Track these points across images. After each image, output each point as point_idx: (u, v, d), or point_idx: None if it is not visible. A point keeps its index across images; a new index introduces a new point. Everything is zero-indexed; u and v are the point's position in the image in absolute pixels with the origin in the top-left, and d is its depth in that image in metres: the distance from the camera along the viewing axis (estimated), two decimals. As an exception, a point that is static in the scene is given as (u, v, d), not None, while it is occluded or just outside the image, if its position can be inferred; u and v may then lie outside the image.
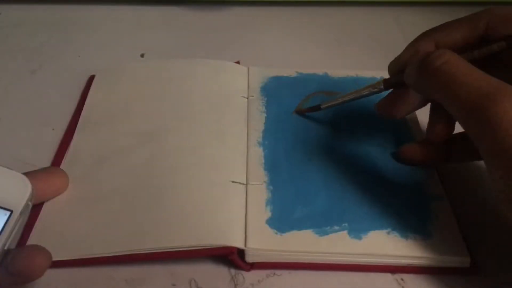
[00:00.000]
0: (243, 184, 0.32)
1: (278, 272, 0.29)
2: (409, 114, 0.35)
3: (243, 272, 0.29)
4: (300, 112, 0.39)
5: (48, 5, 0.54)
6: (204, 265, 0.29)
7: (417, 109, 0.34)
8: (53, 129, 0.38)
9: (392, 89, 0.32)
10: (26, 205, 0.25)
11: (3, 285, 0.24)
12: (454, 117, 0.25)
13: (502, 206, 0.23)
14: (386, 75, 0.42)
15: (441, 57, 0.25)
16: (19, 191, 0.24)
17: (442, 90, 0.24)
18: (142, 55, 0.47)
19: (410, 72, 0.27)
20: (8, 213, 0.24)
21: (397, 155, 0.34)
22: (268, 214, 0.30)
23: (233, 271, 0.29)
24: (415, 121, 0.38)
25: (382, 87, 0.32)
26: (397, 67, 0.31)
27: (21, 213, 0.24)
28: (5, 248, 0.24)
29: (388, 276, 0.29)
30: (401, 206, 0.31)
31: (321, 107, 0.37)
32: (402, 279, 0.29)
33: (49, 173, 0.31)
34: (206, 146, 0.35)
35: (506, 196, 0.22)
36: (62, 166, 0.34)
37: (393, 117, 0.33)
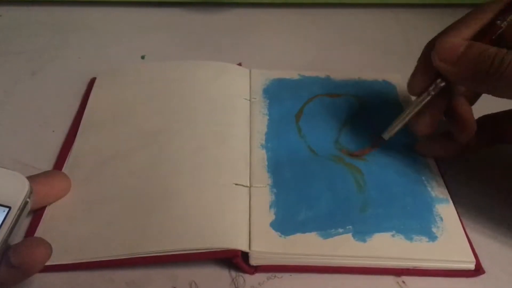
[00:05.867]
0: (247, 186, 0.32)
1: (278, 274, 0.29)
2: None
3: (244, 275, 0.29)
4: (365, 153, 0.35)
5: (49, 7, 0.54)
6: (204, 268, 0.29)
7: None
8: (53, 131, 0.38)
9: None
10: (24, 202, 0.25)
11: (5, 279, 0.24)
12: None
13: None
14: (387, 76, 0.43)
15: (507, 57, 0.26)
16: (17, 188, 0.25)
17: None
18: (142, 57, 0.47)
19: (465, 73, 0.28)
20: (6, 209, 0.24)
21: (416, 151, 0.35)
22: (272, 216, 0.30)
23: (233, 273, 0.29)
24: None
25: (431, 90, 0.31)
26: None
27: (19, 209, 0.25)
28: (6, 243, 0.24)
29: (389, 278, 0.29)
30: (406, 209, 0.31)
31: (385, 138, 0.34)
32: (403, 282, 0.28)
33: (50, 176, 0.31)
34: (208, 149, 0.35)
35: None
36: (64, 169, 0.34)
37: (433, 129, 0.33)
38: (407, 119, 0.33)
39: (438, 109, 0.32)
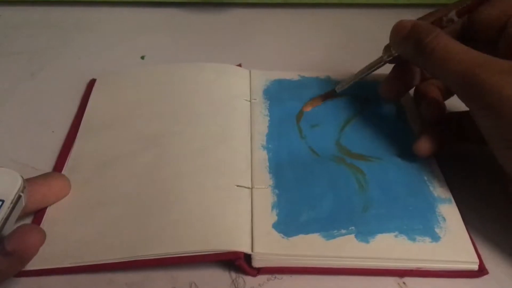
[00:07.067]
0: (248, 188, 0.32)
1: (279, 275, 0.29)
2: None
3: (244, 276, 0.29)
4: (315, 104, 0.39)
5: (49, 7, 0.54)
6: (204, 269, 0.29)
7: (413, 86, 0.38)
8: (52, 132, 0.38)
9: (391, 71, 0.37)
10: (18, 196, 0.26)
11: (1, 268, 0.25)
12: (449, 86, 0.30)
13: (495, 148, 0.29)
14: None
15: (435, 39, 0.30)
16: (10, 183, 0.26)
17: (439, 66, 0.29)
18: (142, 57, 0.47)
19: (407, 49, 0.32)
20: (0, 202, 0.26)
21: (414, 153, 0.34)
22: (274, 218, 0.30)
23: (233, 274, 0.29)
24: (416, 120, 0.38)
25: (385, 57, 0.35)
26: None
27: (12, 203, 0.26)
28: (0, 235, 0.25)
29: (390, 280, 0.29)
30: (408, 209, 0.31)
31: (337, 90, 0.39)
32: (404, 283, 0.28)
33: (48, 177, 0.31)
34: (209, 150, 0.34)
35: (496, 138, 0.28)
36: (64, 171, 0.34)
37: (396, 95, 0.38)
38: (359, 77, 0.37)
39: (398, 79, 0.36)
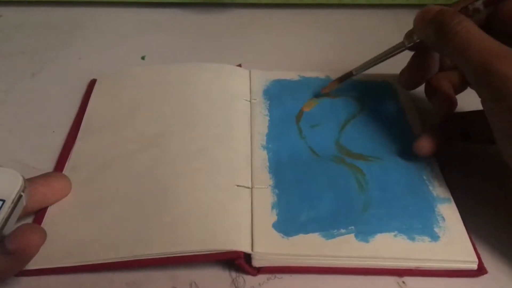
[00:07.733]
0: (248, 188, 0.32)
1: (279, 274, 0.29)
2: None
3: (244, 275, 0.29)
4: (331, 88, 0.39)
5: (49, 7, 0.54)
6: (204, 268, 0.29)
7: (432, 74, 0.37)
8: (53, 132, 0.38)
9: (411, 60, 0.36)
10: (18, 195, 0.26)
11: (2, 268, 0.25)
12: (465, 74, 0.30)
13: (502, 143, 0.29)
14: (386, 77, 0.43)
15: (459, 24, 0.29)
16: (10, 183, 0.26)
17: (458, 52, 0.29)
18: (143, 58, 0.47)
19: (431, 32, 0.31)
20: (0, 202, 0.26)
21: (414, 152, 0.34)
22: (274, 218, 0.30)
23: (233, 273, 0.29)
24: (415, 120, 0.38)
25: (407, 43, 0.35)
26: None
27: (13, 202, 0.26)
28: (1, 233, 0.25)
29: (389, 279, 0.29)
30: (408, 209, 0.31)
31: (354, 73, 0.38)
32: (403, 282, 0.28)
33: (48, 177, 0.31)
34: (210, 150, 0.35)
35: (505, 131, 0.28)
36: (65, 171, 0.34)
37: (415, 84, 0.37)
38: (378, 61, 0.37)
39: (418, 67, 0.36)
